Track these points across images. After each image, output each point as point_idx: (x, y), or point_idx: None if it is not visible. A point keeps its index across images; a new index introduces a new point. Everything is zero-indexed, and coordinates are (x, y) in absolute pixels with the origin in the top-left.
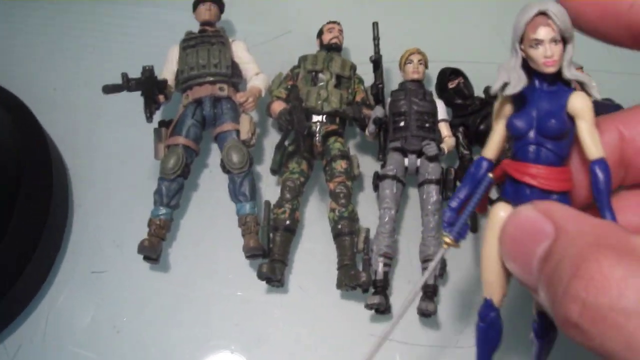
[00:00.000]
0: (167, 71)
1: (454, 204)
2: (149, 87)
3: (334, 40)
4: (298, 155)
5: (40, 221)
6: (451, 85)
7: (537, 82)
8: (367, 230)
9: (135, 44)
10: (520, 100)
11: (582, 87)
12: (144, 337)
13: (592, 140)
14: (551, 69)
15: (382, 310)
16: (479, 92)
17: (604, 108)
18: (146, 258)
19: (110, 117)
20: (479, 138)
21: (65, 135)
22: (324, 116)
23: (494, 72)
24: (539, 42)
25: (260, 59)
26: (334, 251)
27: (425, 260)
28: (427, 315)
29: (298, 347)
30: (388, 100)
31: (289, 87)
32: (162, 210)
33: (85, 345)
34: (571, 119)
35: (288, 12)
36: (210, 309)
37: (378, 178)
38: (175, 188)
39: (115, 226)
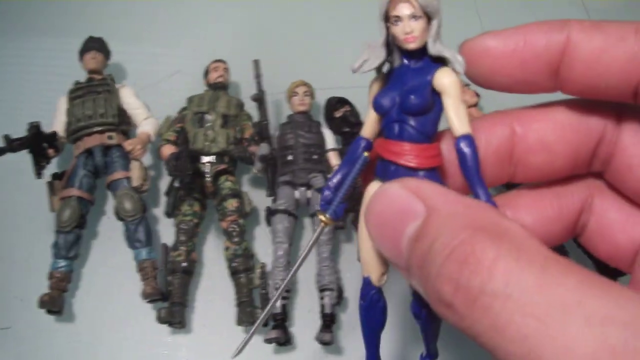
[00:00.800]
0: (58, 122)
1: (331, 182)
2: (36, 143)
3: (220, 79)
4: (190, 197)
5: None
6: (338, 114)
7: (405, 61)
8: (264, 265)
9: (28, 93)
10: (390, 78)
11: (447, 63)
12: None
13: (457, 116)
14: (412, 45)
15: (283, 342)
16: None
17: None
18: (49, 311)
19: (4, 171)
20: None
21: None
22: (213, 157)
23: None
24: (398, 18)
25: (151, 100)
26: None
27: (322, 290)
28: (325, 344)
29: None
30: (277, 134)
31: (178, 129)
32: (61, 263)
33: None
34: (438, 96)
35: (178, 51)
36: (118, 355)
37: (270, 213)
38: (72, 240)
39: (17, 281)
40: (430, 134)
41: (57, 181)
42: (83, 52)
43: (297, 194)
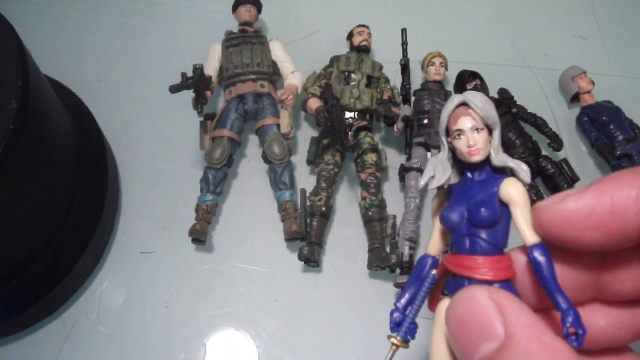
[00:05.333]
0: (210, 67)
1: (400, 303)
2: (200, 84)
3: (364, 43)
4: (332, 148)
5: (98, 207)
6: (469, 86)
7: (468, 174)
8: (394, 217)
9: (168, 37)
10: (454, 194)
11: (512, 172)
12: (191, 313)
13: (527, 225)
14: (476, 158)
15: None
16: (492, 93)
17: (604, 109)
18: (195, 240)
19: (151, 108)
20: None
21: (110, 124)
22: (356, 113)
23: (505, 73)
24: (460, 132)
25: (290, 56)
26: (362, 235)
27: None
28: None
29: (331, 322)
30: (412, 98)
31: (323, 85)
32: (209, 197)
33: (136, 318)
34: (505, 206)
35: (316, 13)
36: (251, 287)
37: (404, 170)
38: (220, 176)
39: (161, 210)
40: (502, 245)
41: (209, 121)
42: (238, 4)
43: (429, 155)
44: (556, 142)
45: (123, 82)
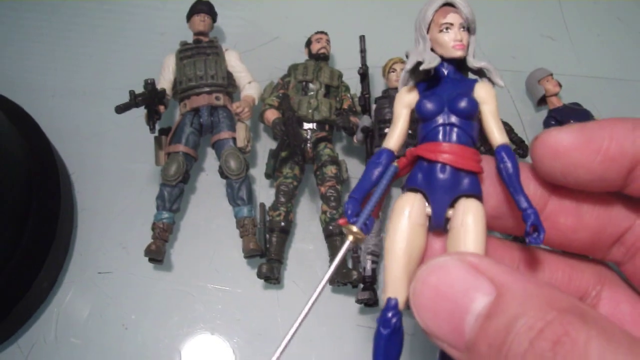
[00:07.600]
0: (165, 80)
1: (356, 194)
2: (153, 99)
3: (322, 50)
4: (291, 161)
5: (51, 228)
6: None
7: (443, 70)
8: None
9: (127, 48)
10: (427, 88)
11: (487, 75)
12: (150, 334)
13: (497, 126)
14: (460, 53)
15: (371, 303)
16: None
17: (572, 112)
18: (152, 260)
19: (108, 124)
20: None
21: (66, 141)
22: (315, 124)
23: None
24: (449, 26)
25: (249, 65)
26: (324, 249)
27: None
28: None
29: (295, 339)
30: (373, 106)
31: (281, 95)
32: (165, 215)
33: (95, 342)
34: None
35: (275, 19)
36: (212, 305)
37: None
38: (176, 193)
39: (119, 229)
40: (475, 140)
41: (164, 136)
42: (192, 14)
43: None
44: (522, 149)
45: (78, 98)
